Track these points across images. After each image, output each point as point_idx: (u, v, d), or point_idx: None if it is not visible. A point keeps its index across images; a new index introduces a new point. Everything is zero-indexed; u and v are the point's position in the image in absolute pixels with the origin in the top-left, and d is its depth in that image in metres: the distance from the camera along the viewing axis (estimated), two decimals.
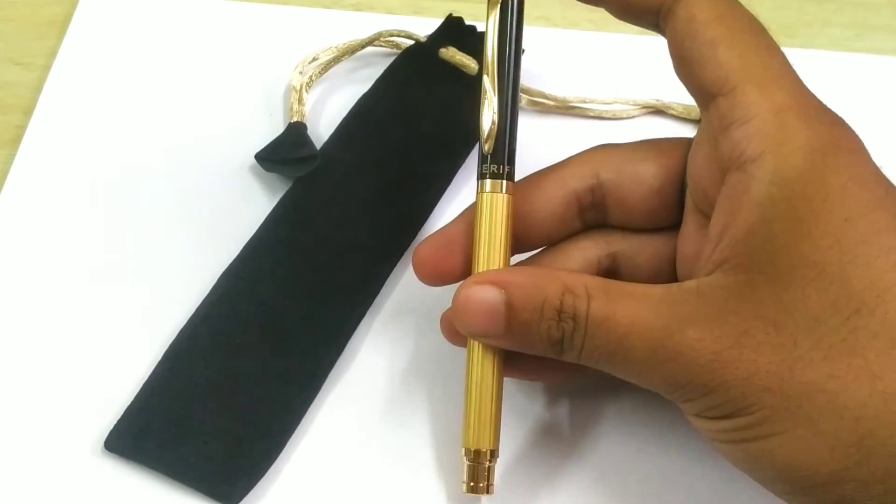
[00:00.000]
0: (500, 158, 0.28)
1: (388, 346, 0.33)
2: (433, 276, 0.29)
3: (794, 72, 0.26)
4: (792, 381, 0.23)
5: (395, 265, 0.34)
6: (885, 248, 0.23)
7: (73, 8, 0.41)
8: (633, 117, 0.39)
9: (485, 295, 0.26)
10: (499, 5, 0.28)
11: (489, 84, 0.28)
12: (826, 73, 0.40)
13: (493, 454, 0.28)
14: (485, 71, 0.28)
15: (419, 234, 0.35)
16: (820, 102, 0.25)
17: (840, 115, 0.25)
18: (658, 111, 0.39)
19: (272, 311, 0.32)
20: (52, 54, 0.40)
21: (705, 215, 0.27)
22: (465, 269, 0.29)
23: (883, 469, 0.22)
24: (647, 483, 0.31)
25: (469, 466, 0.28)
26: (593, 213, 0.30)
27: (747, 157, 0.24)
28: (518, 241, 0.29)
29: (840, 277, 0.23)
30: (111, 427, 0.30)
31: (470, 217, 0.29)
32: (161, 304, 0.33)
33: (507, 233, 0.28)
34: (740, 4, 0.26)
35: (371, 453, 0.31)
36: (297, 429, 0.30)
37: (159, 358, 0.31)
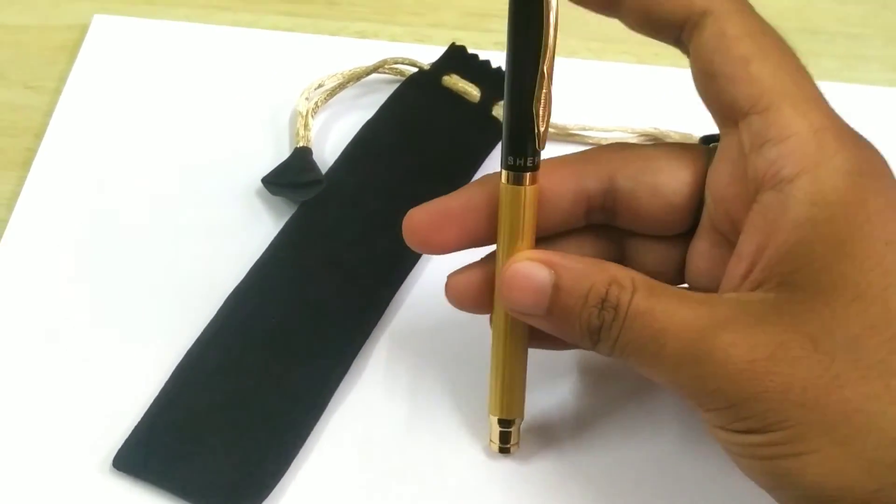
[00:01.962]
0: (534, 150, 0.27)
1: (392, 364, 0.33)
2: (422, 245, 0.29)
3: (822, 94, 0.26)
4: (829, 399, 0.23)
5: (398, 287, 0.35)
6: None
7: (84, 34, 0.42)
8: None
9: (534, 272, 0.26)
10: None
11: (547, 71, 0.26)
12: None
13: (518, 419, 0.30)
14: (542, 57, 0.26)
15: (422, 256, 0.35)
16: (849, 125, 0.25)
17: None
18: (656, 139, 0.40)
19: (278, 332, 0.33)
20: (63, 79, 0.40)
21: (723, 234, 0.27)
22: (456, 243, 0.29)
23: None
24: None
25: (501, 432, 0.30)
26: (601, 214, 0.29)
27: (783, 177, 0.24)
28: None
29: (881, 299, 0.23)
30: (119, 446, 0.30)
31: (473, 195, 0.28)
32: (169, 325, 0.33)
33: (535, 221, 0.28)
34: (768, 23, 0.26)
35: (375, 471, 0.31)
36: (304, 446, 0.31)
37: (167, 378, 0.32)
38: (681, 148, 0.29)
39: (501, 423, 0.30)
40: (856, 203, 0.24)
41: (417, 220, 0.29)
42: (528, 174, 0.27)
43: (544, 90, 0.26)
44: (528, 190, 0.27)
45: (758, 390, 0.23)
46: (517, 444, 0.31)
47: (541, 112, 0.26)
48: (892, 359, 0.23)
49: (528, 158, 0.27)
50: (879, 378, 0.23)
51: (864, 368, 0.23)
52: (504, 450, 0.31)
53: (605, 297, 0.25)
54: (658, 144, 0.29)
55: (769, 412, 0.23)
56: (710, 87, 0.26)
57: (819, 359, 0.23)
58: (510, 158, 0.27)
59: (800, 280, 0.24)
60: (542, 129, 0.26)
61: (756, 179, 0.25)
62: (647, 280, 0.26)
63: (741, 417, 0.24)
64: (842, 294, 0.23)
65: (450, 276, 0.29)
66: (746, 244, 0.25)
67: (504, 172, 0.27)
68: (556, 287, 0.26)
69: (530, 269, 0.26)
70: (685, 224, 0.29)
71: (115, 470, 0.30)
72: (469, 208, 0.28)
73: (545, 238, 0.29)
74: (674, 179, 0.28)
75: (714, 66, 0.25)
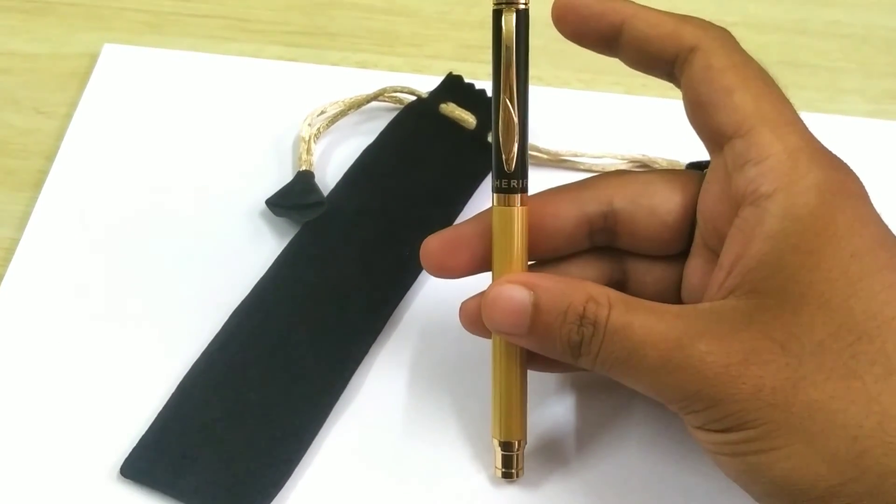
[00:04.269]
0: (520, 173, 0.29)
1: (391, 378, 0.34)
2: (438, 270, 0.31)
3: (801, 119, 0.28)
4: (795, 398, 0.24)
5: (396, 305, 0.36)
6: (887, 283, 0.25)
7: (93, 62, 0.43)
8: None
9: (514, 294, 0.28)
10: (514, 13, 0.28)
11: (509, 103, 0.28)
12: None
13: (521, 442, 0.31)
14: (502, 91, 0.28)
15: (419, 276, 0.37)
16: (826, 147, 0.27)
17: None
18: (644, 165, 0.41)
19: (281, 347, 0.34)
20: (73, 104, 0.41)
21: (713, 251, 0.29)
22: (468, 267, 0.30)
23: (875, 486, 0.24)
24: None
25: (503, 456, 0.31)
26: (603, 235, 0.31)
27: (761, 194, 0.26)
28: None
29: (845, 307, 0.25)
30: (127, 454, 0.31)
31: (482, 222, 0.30)
32: (176, 339, 0.34)
33: (526, 243, 0.29)
34: (751, 56, 0.28)
35: (375, 480, 0.32)
36: (305, 456, 0.32)
37: (174, 389, 0.33)
38: (674, 173, 0.31)
39: (503, 445, 0.31)
40: (825, 217, 0.26)
41: (432, 246, 0.31)
42: (517, 196, 0.29)
43: (502, 115, 0.28)
44: (518, 211, 0.29)
45: (732, 392, 0.25)
46: (521, 469, 0.31)
47: (500, 138, 0.29)
48: (854, 362, 0.24)
49: (514, 181, 0.29)
50: (841, 380, 0.24)
51: (827, 371, 0.25)
52: (507, 475, 0.31)
53: (583, 314, 0.27)
54: (653, 171, 0.31)
55: (743, 412, 0.25)
56: (699, 114, 0.28)
57: (787, 362, 0.25)
58: (496, 181, 0.29)
59: (769, 287, 0.26)
60: (508, 155, 0.28)
61: (738, 196, 0.27)
62: (623, 296, 0.27)
63: (718, 418, 0.25)
64: (808, 302, 0.25)
65: (463, 303, 0.31)
66: (726, 255, 0.27)
67: (494, 195, 0.29)
68: (536, 306, 0.27)
69: (510, 290, 0.28)
70: (681, 244, 0.30)
71: (123, 477, 0.31)
72: (479, 234, 0.30)
73: (550, 261, 0.31)
74: (668, 201, 0.30)
75: (701, 96, 0.28)
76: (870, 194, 0.27)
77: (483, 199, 0.39)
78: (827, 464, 0.24)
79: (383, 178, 0.39)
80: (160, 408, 0.33)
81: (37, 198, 0.38)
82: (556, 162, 0.40)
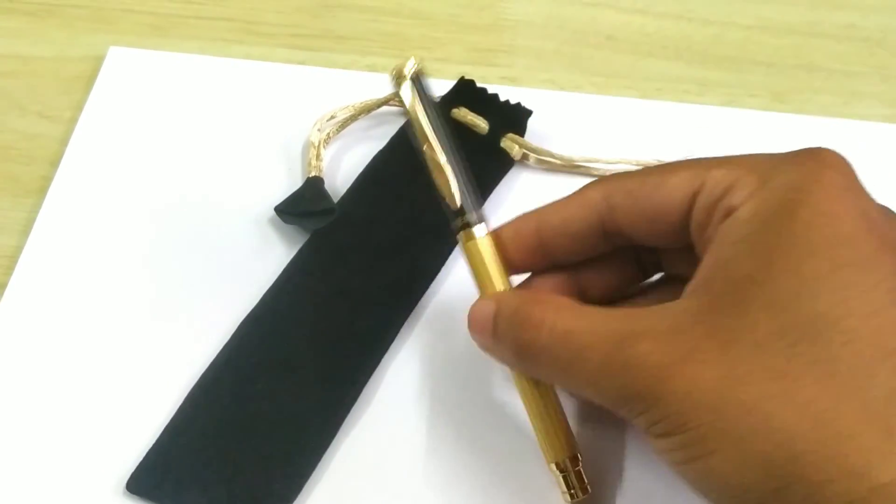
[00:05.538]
0: (470, 207, 0.31)
1: (403, 389, 0.34)
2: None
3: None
4: (729, 399, 0.24)
5: (409, 313, 0.35)
6: (840, 284, 0.24)
7: (98, 65, 0.42)
8: None
9: (484, 307, 0.30)
10: (409, 80, 0.31)
11: (440, 154, 0.31)
12: (815, 138, 0.42)
13: (576, 458, 0.30)
14: (426, 145, 0.31)
15: (431, 284, 0.36)
16: (793, 151, 0.27)
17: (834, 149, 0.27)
18: None
19: (291, 357, 0.33)
20: (78, 108, 0.41)
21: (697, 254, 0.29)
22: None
23: (811, 494, 0.23)
24: None
25: (563, 476, 0.30)
26: (617, 236, 0.30)
27: (733, 206, 0.26)
28: (546, 255, 0.31)
29: (791, 308, 0.24)
30: (133, 469, 0.31)
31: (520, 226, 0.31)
32: (183, 349, 0.34)
33: (500, 263, 0.31)
34: None
35: (389, 496, 0.31)
36: (315, 471, 0.31)
37: (181, 402, 0.32)
38: (672, 167, 0.30)
39: (557, 467, 0.30)
40: (787, 216, 0.25)
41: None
42: (472, 229, 0.31)
43: (431, 165, 0.31)
44: (481, 242, 0.31)
45: (669, 392, 0.24)
46: (583, 488, 0.30)
47: (437, 183, 0.31)
48: (792, 363, 0.24)
49: (467, 217, 0.31)
50: (776, 380, 0.23)
51: (764, 371, 0.24)
52: (571, 495, 0.30)
53: (528, 318, 0.28)
54: (654, 166, 0.31)
55: (678, 413, 0.24)
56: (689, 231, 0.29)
57: (724, 362, 0.24)
58: (452, 223, 0.31)
59: (723, 289, 0.25)
60: (450, 197, 0.31)
61: (717, 214, 0.27)
62: (572, 303, 0.28)
63: (658, 420, 0.25)
64: (754, 302, 0.24)
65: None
66: (700, 266, 0.27)
67: (457, 235, 0.31)
68: (496, 315, 0.29)
69: (481, 305, 0.30)
70: (683, 236, 0.29)
71: (129, 493, 0.31)
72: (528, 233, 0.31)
73: (574, 265, 0.31)
74: (665, 195, 0.29)
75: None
76: (860, 184, 0.26)
77: (497, 204, 0.39)
78: (761, 468, 0.23)
79: (394, 185, 0.38)
80: (167, 421, 0.32)
81: (40, 204, 0.38)
82: (570, 167, 0.40)
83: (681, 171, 0.29)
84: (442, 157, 0.31)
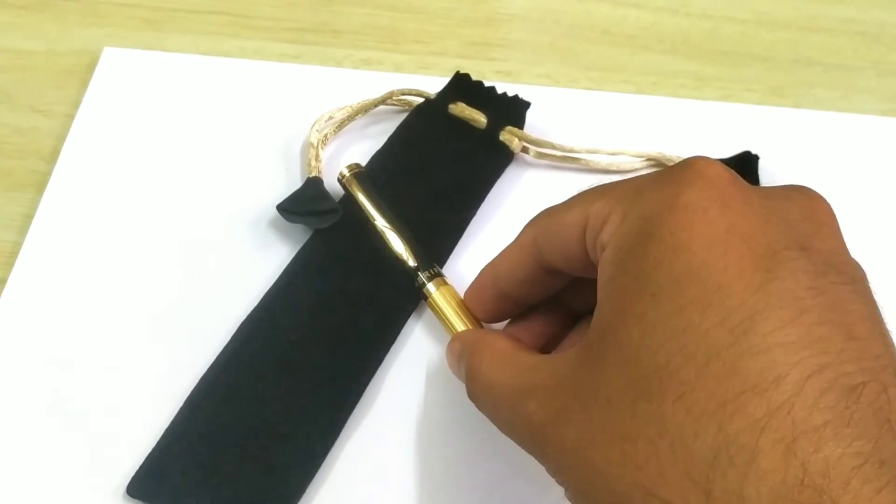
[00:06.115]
0: (424, 266, 0.35)
1: (405, 391, 0.33)
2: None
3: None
4: (585, 460, 0.23)
5: (410, 314, 0.35)
6: (679, 329, 0.22)
7: (93, 58, 0.42)
8: (637, 170, 0.40)
9: (453, 345, 0.32)
10: (353, 175, 0.37)
11: (385, 226, 0.36)
12: (813, 132, 0.42)
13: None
14: (373, 219, 0.36)
15: None
16: (656, 175, 0.25)
17: (715, 160, 0.24)
18: (660, 163, 0.40)
19: (291, 358, 0.33)
20: (71, 102, 0.41)
21: None
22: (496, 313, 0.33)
23: None
24: None
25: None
26: (562, 273, 0.29)
27: (604, 243, 0.25)
28: (513, 301, 0.31)
29: (637, 360, 0.22)
30: (133, 473, 0.30)
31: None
32: (183, 351, 0.33)
33: (463, 308, 0.34)
34: None
35: (390, 497, 0.31)
36: (317, 474, 0.31)
37: (181, 405, 0.32)
38: (571, 202, 0.28)
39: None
40: (639, 253, 0.23)
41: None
42: (431, 283, 0.34)
43: (379, 234, 0.36)
44: (441, 292, 0.34)
45: (547, 451, 0.24)
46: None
47: (390, 249, 0.35)
48: (633, 422, 0.22)
49: (425, 273, 0.35)
50: (619, 443, 0.22)
51: (612, 432, 0.22)
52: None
53: (469, 365, 0.29)
54: (574, 196, 0.28)
55: (555, 472, 0.24)
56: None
57: (583, 421, 0.23)
58: (414, 281, 0.35)
59: (593, 339, 0.24)
60: (402, 259, 0.35)
61: (598, 253, 0.26)
62: (511, 349, 0.28)
63: (550, 475, 0.25)
64: (609, 353, 0.23)
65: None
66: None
67: (420, 291, 0.35)
68: (459, 353, 0.31)
69: (451, 343, 0.32)
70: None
71: (129, 497, 0.30)
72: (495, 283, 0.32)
73: (545, 302, 0.32)
74: (571, 233, 0.27)
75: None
76: (735, 189, 0.23)
77: (496, 200, 0.39)
78: None
79: (394, 183, 0.38)
80: (167, 424, 0.32)
81: (36, 199, 0.37)
82: (571, 160, 0.40)
83: (574, 205, 0.27)
84: (385, 225, 0.36)
